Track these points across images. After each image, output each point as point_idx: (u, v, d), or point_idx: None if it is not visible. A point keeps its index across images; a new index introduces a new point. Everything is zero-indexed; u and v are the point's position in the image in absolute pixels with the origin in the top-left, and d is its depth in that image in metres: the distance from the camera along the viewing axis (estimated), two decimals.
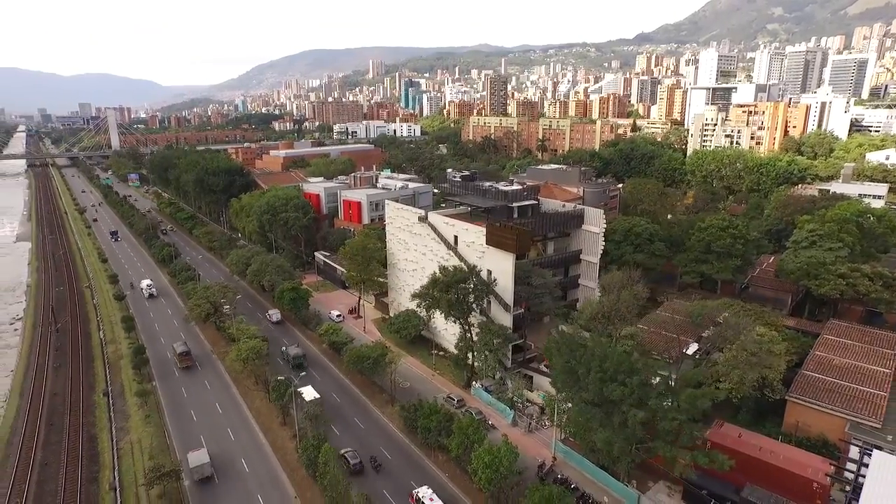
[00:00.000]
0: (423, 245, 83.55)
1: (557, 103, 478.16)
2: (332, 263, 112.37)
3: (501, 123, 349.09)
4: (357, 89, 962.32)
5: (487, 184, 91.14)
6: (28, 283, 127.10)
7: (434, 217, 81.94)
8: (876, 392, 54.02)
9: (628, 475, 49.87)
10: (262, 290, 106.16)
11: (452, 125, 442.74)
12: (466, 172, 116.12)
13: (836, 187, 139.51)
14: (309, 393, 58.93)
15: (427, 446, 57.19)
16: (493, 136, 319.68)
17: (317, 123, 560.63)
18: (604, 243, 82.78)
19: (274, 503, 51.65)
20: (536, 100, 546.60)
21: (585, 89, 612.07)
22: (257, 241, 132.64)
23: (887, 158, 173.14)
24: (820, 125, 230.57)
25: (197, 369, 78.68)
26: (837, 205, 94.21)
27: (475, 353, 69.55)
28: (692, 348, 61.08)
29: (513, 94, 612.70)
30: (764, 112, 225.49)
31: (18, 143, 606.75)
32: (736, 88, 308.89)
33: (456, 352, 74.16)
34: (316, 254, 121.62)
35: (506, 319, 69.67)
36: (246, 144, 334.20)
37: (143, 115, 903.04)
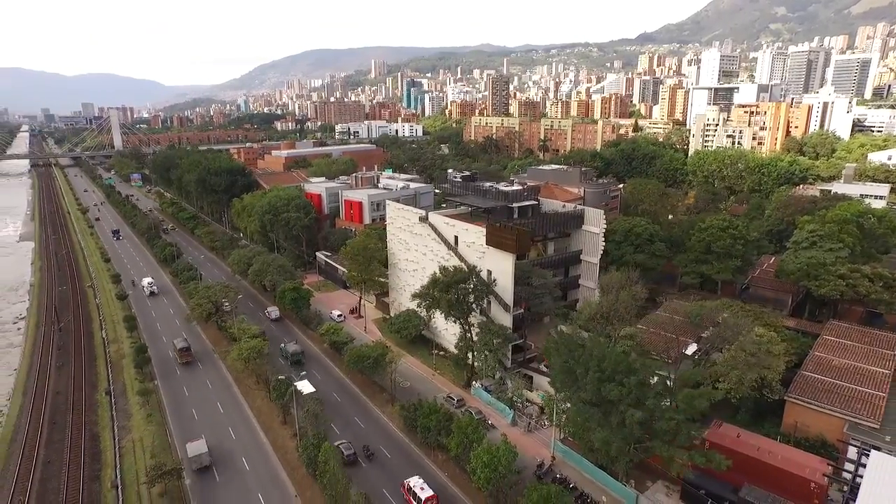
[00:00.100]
0: (423, 245, 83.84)
1: (559, 103, 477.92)
2: (334, 263, 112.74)
3: (503, 123, 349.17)
4: (359, 89, 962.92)
5: (488, 184, 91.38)
6: (31, 282, 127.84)
7: (434, 217, 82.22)
8: (875, 393, 54.11)
9: (627, 475, 50.08)
10: (263, 289, 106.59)
11: (454, 125, 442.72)
12: (467, 173, 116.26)
13: (838, 188, 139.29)
14: (305, 387, 59.58)
15: (426, 445, 57.49)
16: (494, 137, 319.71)
17: (319, 123, 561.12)
18: (604, 244, 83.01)
19: (274, 502, 52.01)
20: (538, 100, 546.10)
21: (587, 89, 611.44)
22: (259, 241, 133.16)
23: (889, 159, 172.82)
24: (822, 125, 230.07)
25: (198, 366, 79.26)
26: (838, 205, 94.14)
27: (475, 353, 69.81)
28: (691, 349, 61.15)
29: (515, 94, 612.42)
30: (766, 112, 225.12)
31: (22, 142, 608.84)
32: (738, 88, 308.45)
33: (456, 352, 74.45)
34: (317, 254, 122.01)
35: (506, 319, 69.91)
36: (248, 144, 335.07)
37: (145, 115, 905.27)
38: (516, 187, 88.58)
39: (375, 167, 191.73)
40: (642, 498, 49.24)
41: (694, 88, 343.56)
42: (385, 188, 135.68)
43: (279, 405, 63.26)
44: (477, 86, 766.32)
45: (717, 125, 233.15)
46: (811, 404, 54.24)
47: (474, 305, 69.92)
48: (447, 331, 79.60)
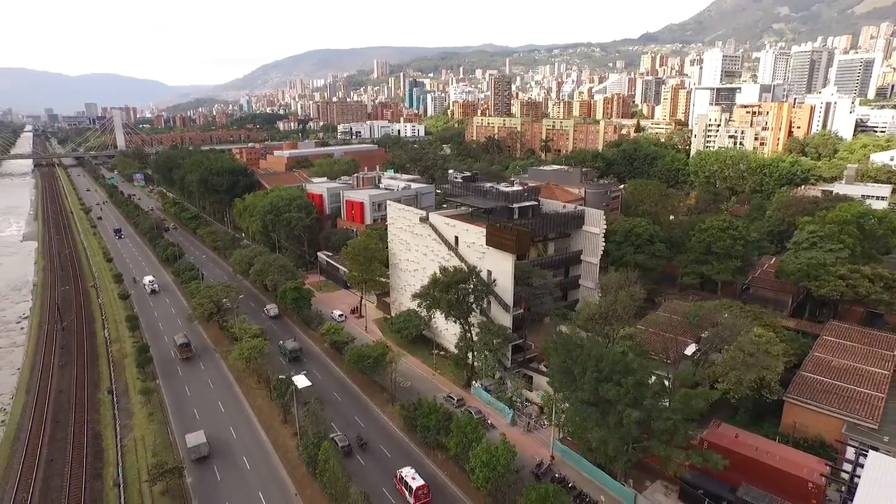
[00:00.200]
0: (424, 245, 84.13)
1: (561, 103, 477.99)
2: (335, 263, 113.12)
3: (505, 124, 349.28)
4: (361, 89, 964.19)
5: (488, 185, 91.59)
6: (34, 282, 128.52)
7: (435, 218, 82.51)
8: (873, 393, 54.19)
9: (625, 474, 50.28)
10: (265, 289, 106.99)
11: (456, 125, 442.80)
12: (468, 173, 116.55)
13: (840, 188, 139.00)
14: (301, 381, 60.23)
15: (426, 445, 57.77)
16: (496, 137, 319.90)
17: (321, 123, 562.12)
18: (604, 244, 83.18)
19: (275, 500, 52.37)
20: (541, 100, 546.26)
21: (590, 89, 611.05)
22: (260, 240, 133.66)
23: (892, 159, 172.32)
24: (824, 126, 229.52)
25: (199, 365, 79.73)
26: (838, 206, 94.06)
27: (475, 353, 70.07)
28: (691, 349, 61.36)
29: (517, 94, 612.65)
30: (768, 112, 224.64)
31: (25, 142, 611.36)
32: (740, 89, 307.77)
33: (456, 351, 74.75)
34: (319, 254, 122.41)
35: (505, 319, 70.16)
36: (250, 144, 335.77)
37: (148, 115, 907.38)
38: (517, 188, 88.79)
39: (377, 167, 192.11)
40: (641, 497, 49.44)
41: (696, 89, 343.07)
42: (386, 188, 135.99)
43: (280, 404, 63.64)
44: (479, 86, 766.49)
45: (719, 125, 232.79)
46: (810, 405, 54.37)
47: (474, 305, 70.18)
48: (447, 331, 79.89)
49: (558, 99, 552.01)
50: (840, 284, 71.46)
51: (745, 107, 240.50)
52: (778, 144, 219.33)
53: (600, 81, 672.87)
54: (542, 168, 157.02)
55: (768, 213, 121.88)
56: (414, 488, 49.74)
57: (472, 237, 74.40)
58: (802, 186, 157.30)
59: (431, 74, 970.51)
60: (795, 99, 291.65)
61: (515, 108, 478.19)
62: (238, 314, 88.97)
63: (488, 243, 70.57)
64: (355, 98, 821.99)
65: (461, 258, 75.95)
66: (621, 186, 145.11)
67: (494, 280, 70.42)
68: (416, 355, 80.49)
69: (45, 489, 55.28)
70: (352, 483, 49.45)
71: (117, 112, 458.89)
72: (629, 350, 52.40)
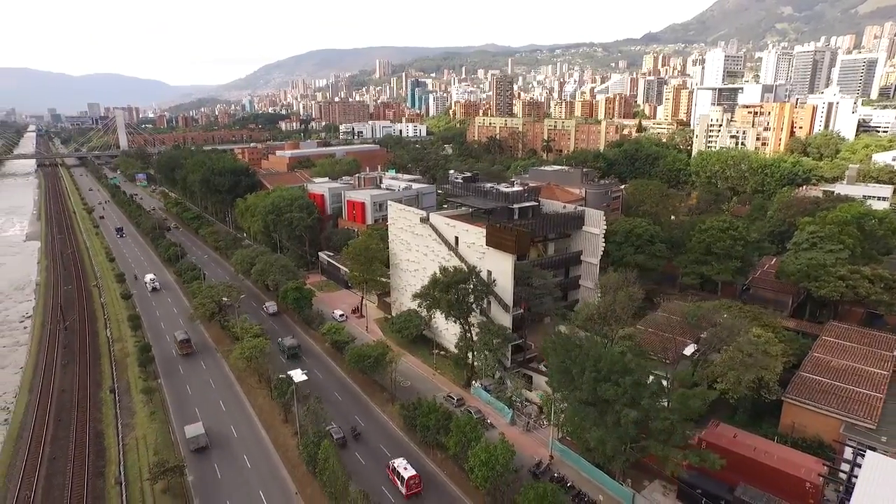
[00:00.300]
0: (424, 246, 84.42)
1: (563, 104, 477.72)
2: (336, 263, 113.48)
3: (506, 124, 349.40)
4: (364, 89, 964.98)
5: (489, 185, 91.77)
6: (37, 281, 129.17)
7: (435, 218, 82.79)
8: (872, 394, 54.30)
9: (624, 474, 50.49)
10: (266, 289, 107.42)
11: (458, 125, 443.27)
12: (468, 174, 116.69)
13: (841, 189, 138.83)
14: (298, 376, 60.82)
15: (426, 444, 58.05)
16: (498, 137, 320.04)
17: (323, 123, 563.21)
18: (604, 244, 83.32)
19: (275, 498, 52.72)
20: (542, 100, 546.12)
21: (592, 89, 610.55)
22: (262, 240, 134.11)
23: (894, 160, 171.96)
24: (826, 126, 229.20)
25: (200, 363, 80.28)
26: (839, 207, 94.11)
27: (475, 353, 70.35)
28: (690, 349, 61.50)
29: (519, 94, 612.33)
30: (769, 113, 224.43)
31: (29, 142, 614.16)
32: (742, 89, 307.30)
33: (456, 351, 75.04)
34: (320, 254, 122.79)
35: (505, 320, 70.41)
36: (252, 144, 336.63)
37: (151, 115, 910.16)
38: (517, 188, 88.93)
39: (379, 167, 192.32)
40: (639, 497, 49.65)
41: (698, 89, 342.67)
42: (388, 189, 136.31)
43: (280, 403, 64.00)
44: (481, 86, 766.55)
45: (720, 126, 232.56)
46: (808, 405, 54.52)
47: (474, 306, 70.45)
48: (447, 331, 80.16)
49: (560, 99, 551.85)
50: (840, 285, 71.54)
51: (747, 107, 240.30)
52: (780, 145, 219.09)
53: (602, 81, 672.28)
54: (542, 168, 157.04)
55: (769, 213, 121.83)
56: (406, 478, 51.24)
57: (473, 237, 74.67)
58: (804, 187, 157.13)
59: (433, 74, 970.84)
60: (798, 99, 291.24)
61: (517, 109, 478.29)
62: (239, 314, 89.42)
63: (488, 244, 70.84)
64: (357, 98, 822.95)
65: (461, 258, 76.23)
66: (622, 187, 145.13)
67: (494, 280, 70.67)
68: (417, 355, 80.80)
69: (48, 487, 55.74)
70: (351, 481, 49.73)
71: (120, 112, 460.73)
72: (628, 350, 52.57)
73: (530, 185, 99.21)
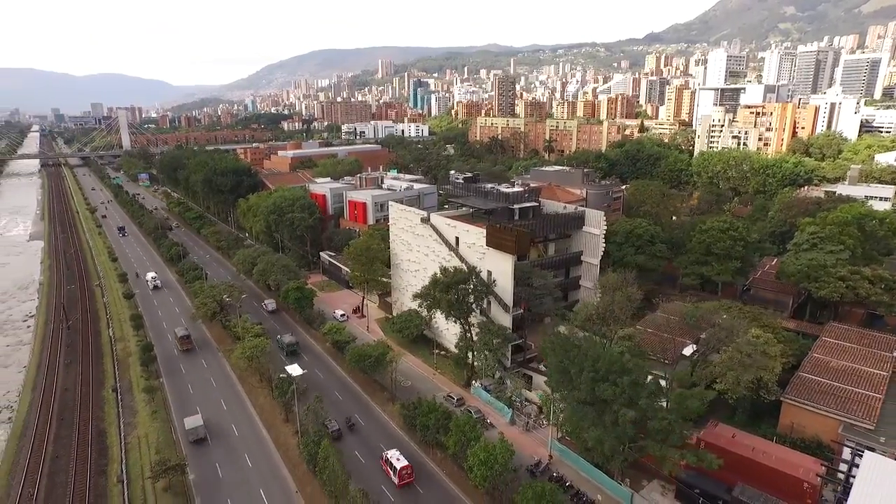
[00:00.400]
0: (425, 246, 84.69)
1: (565, 104, 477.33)
2: (337, 263, 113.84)
3: (508, 124, 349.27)
4: (366, 89, 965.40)
5: (489, 185, 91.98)
6: (40, 281, 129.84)
7: (436, 218, 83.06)
8: (871, 394, 54.38)
9: (622, 474, 50.69)
10: (267, 289, 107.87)
11: (460, 125, 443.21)
12: (469, 174, 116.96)
13: (843, 189, 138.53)
14: (295, 370, 61.33)
15: (426, 444, 58.35)
16: (500, 137, 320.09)
17: (325, 123, 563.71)
18: (605, 245, 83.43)
19: (275, 497, 53.07)
20: (545, 100, 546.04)
21: (594, 89, 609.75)
22: (264, 240, 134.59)
23: None
24: (829, 126, 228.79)
25: (201, 363, 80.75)
26: (839, 207, 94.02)
27: (475, 353, 70.60)
28: (689, 350, 61.61)
29: (521, 94, 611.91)
30: (772, 113, 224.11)
31: (32, 142, 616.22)
32: (744, 89, 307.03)
33: (456, 351, 75.31)
34: (321, 254, 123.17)
35: (505, 320, 70.64)
36: (255, 145, 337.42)
37: (153, 115, 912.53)
38: (517, 189, 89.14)
39: (381, 167, 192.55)
40: (637, 497, 49.82)
41: (700, 89, 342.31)
42: (389, 189, 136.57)
43: (281, 403, 64.36)
44: (483, 86, 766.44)
45: (722, 126, 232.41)
46: (807, 405, 54.62)
47: (474, 306, 70.72)
48: (448, 331, 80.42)
49: (562, 99, 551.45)
50: (840, 286, 71.55)
51: (749, 107, 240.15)
52: (782, 145, 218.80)
53: (605, 82, 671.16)
54: (543, 168, 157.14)
55: (771, 213, 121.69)
56: (398, 468, 52.53)
57: (473, 238, 74.91)
58: (806, 187, 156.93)
59: (436, 74, 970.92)
60: (800, 99, 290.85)
61: (519, 109, 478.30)
62: (241, 313, 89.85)
63: (488, 244, 71.07)
64: (359, 98, 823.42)
65: (462, 259, 76.48)
66: (623, 187, 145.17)
67: (494, 280, 70.91)
68: (417, 355, 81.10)
69: (51, 485, 56.17)
70: (351, 480, 50.02)
71: (123, 112, 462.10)
72: (627, 350, 52.77)
73: (531, 185, 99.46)
